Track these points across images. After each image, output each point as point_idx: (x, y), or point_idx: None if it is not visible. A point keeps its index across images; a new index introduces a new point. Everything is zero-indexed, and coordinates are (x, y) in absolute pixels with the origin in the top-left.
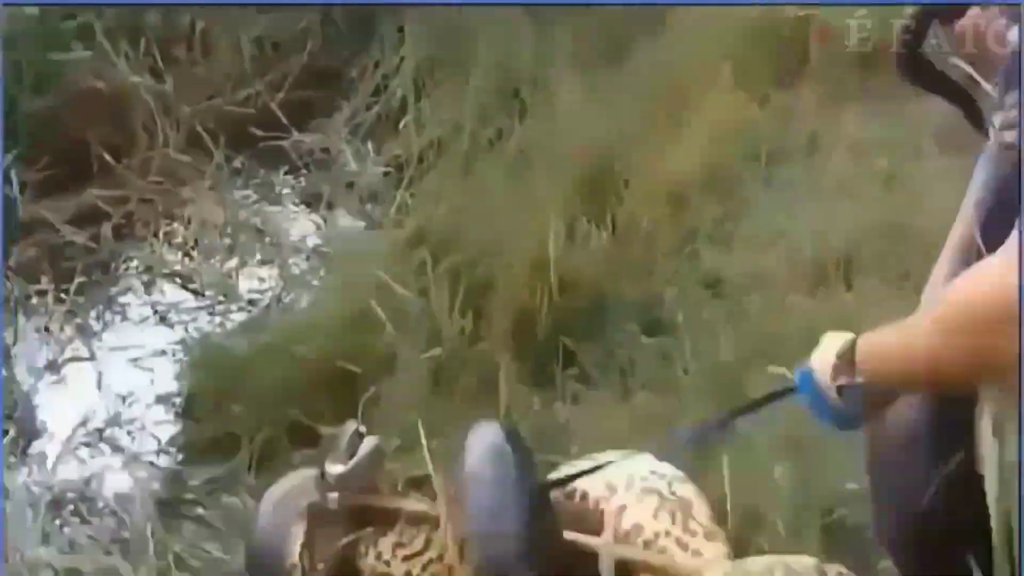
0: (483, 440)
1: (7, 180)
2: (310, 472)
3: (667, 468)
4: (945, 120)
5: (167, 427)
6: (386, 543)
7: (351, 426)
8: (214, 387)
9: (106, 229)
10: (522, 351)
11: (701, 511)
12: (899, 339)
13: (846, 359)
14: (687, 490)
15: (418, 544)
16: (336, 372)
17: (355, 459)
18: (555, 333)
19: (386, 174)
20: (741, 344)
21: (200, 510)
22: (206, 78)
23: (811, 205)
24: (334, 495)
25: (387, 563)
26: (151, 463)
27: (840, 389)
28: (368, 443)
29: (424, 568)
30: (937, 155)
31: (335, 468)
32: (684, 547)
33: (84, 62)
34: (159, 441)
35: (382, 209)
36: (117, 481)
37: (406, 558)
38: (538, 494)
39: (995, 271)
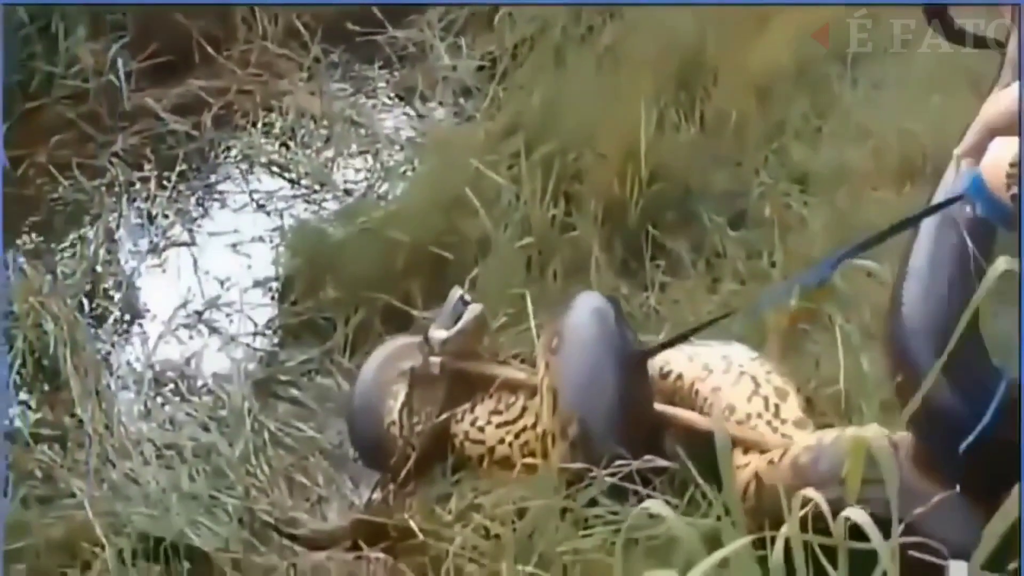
0: (587, 303)
1: (113, 68)
2: (415, 338)
3: (764, 359)
4: None
5: (264, 310)
6: (482, 410)
7: (456, 293)
8: (309, 272)
9: (207, 118)
10: (612, 240)
11: (793, 402)
12: None
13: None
14: (782, 381)
15: (514, 412)
16: (429, 257)
17: (458, 325)
18: (644, 223)
19: (479, 68)
20: (828, 238)
21: (295, 391)
22: None
23: (898, 102)
24: (436, 360)
25: (481, 429)
26: (248, 345)
27: (1014, 196)
28: (472, 311)
29: (517, 436)
30: None
31: (438, 333)
32: (774, 431)
33: None
34: (256, 324)
35: (475, 103)
36: (215, 361)
37: (500, 425)
38: (634, 359)
39: None
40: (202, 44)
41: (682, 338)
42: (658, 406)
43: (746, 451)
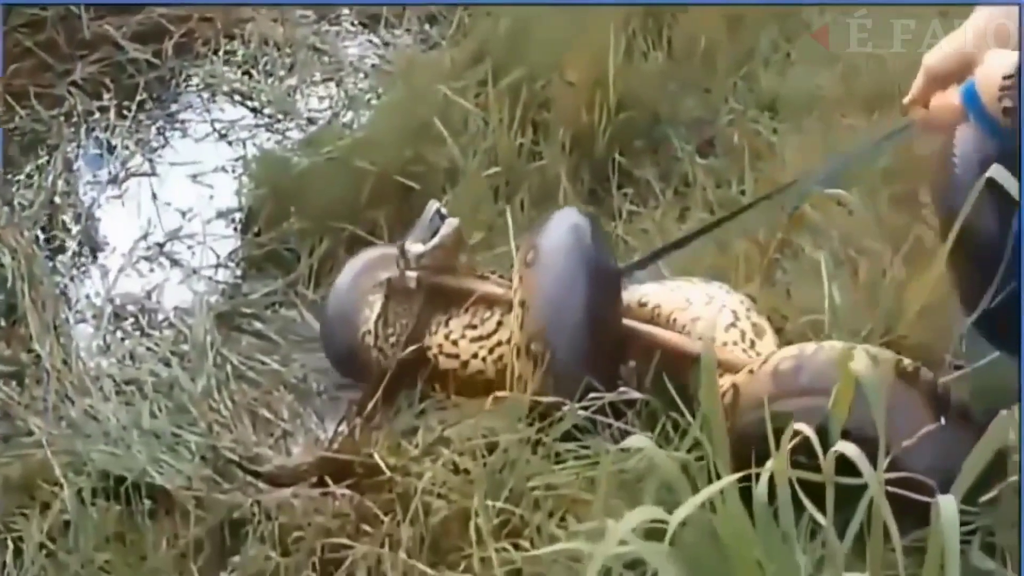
0: (566, 219)
1: None
2: (392, 249)
3: (744, 297)
4: None
5: (226, 242)
6: (457, 323)
7: (432, 207)
8: (273, 202)
9: (167, 46)
10: (579, 168)
11: (769, 340)
12: None
13: (1014, 81)
14: (760, 320)
15: (489, 326)
16: (395, 187)
17: (435, 240)
18: (612, 151)
19: None
20: (797, 165)
21: (258, 323)
22: None
23: (869, 29)
24: (412, 274)
25: (455, 343)
26: (210, 277)
27: (1006, 110)
28: (449, 224)
29: (491, 351)
30: None
31: (415, 247)
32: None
33: None
34: (218, 256)
35: (441, 30)
36: (177, 294)
37: (475, 339)
38: (609, 276)
39: None
40: None
41: (661, 254)
42: (633, 323)
43: (721, 374)
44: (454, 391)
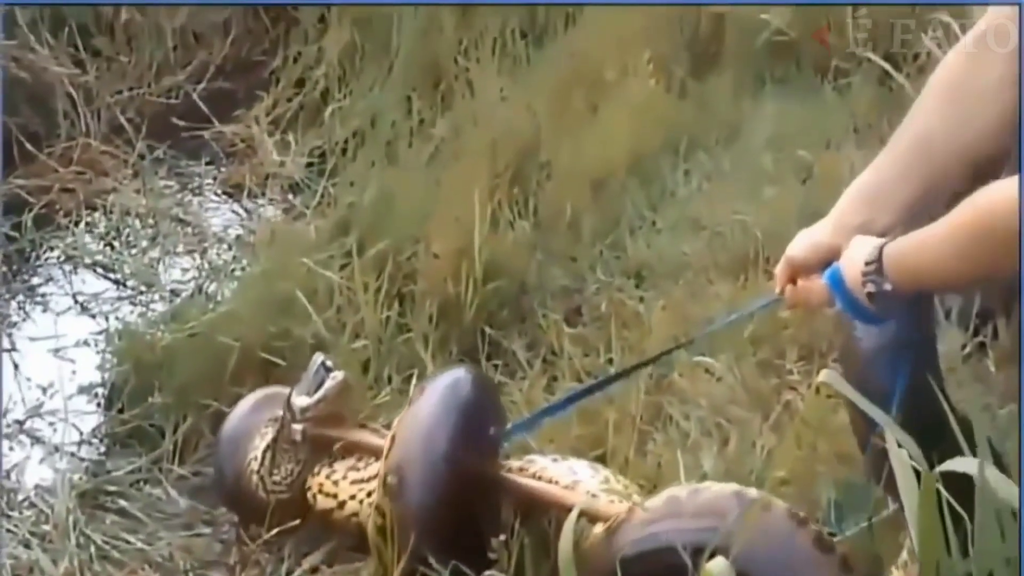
0: (456, 371)
1: None
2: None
3: (628, 482)
4: (861, 111)
5: (89, 418)
6: (341, 466)
7: (318, 359)
8: (136, 377)
9: (27, 218)
10: (447, 340)
11: None
12: (927, 246)
13: (874, 267)
14: (644, 502)
15: (370, 471)
16: (259, 362)
17: (320, 393)
18: (480, 322)
19: (309, 164)
20: (664, 333)
21: (122, 501)
22: (128, 68)
23: (731, 195)
24: (298, 427)
25: (335, 483)
26: (73, 454)
27: (870, 295)
28: (334, 378)
29: (369, 495)
30: (853, 146)
31: (300, 400)
32: None
33: (6, 50)
34: (81, 432)
35: (304, 199)
36: (38, 472)
37: (355, 482)
38: (481, 426)
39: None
40: (22, 141)
41: (554, 410)
42: (510, 475)
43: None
44: (327, 531)
